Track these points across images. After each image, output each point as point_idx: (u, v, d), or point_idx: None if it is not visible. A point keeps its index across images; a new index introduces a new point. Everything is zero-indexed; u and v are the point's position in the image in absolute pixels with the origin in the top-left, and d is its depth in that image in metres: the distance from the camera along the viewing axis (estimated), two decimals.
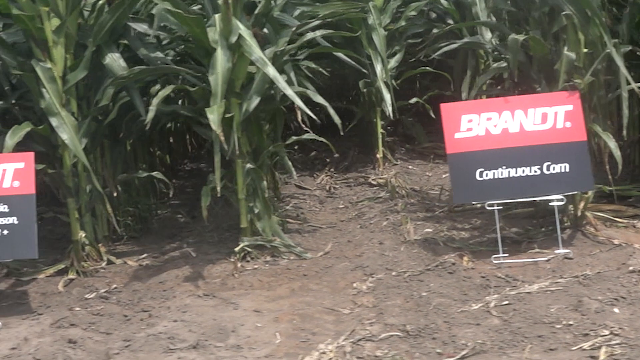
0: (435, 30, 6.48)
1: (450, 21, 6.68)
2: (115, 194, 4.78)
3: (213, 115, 4.16)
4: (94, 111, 4.60)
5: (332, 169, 6.73)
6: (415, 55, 6.58)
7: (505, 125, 4.38)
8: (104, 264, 4.75)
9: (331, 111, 4.71)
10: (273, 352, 3.53)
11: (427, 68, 6.65)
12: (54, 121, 4.38)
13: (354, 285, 4.23)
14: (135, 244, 5.16)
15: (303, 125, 5.29)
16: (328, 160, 7.02)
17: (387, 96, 6.11)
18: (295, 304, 4.06)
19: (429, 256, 4.52)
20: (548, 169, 4.31)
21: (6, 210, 4.07)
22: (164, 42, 5.06)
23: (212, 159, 4.51)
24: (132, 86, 4.67)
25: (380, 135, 6.52)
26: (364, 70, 6.24)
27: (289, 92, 4.37)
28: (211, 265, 4.66)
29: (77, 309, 4.17)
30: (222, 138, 4.12)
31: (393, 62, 6.47)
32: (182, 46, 5.02)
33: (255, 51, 4.35)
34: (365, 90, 6.38)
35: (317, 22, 4.91)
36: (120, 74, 4.59)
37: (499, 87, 6.17)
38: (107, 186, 4.82)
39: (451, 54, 6.54)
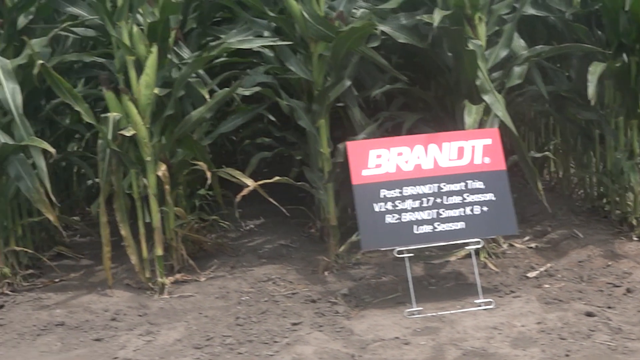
0: None
1: None
2: None
3: None
4: (506, 90, 4.55)
5: None
6: None
7: None
8: (505, 246, 4.69)
9: None
10: None
11: None
12: (487, 98, 4.33)
13: None
14: None
15: None
16: None
17: None
18: None
19: None
20: None
21: (482, 186, 4.01)
22: None
23: None
24: (531, 64, 4.64)
25: None
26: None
27: None
28: (611, 244, 4.64)
29: (546, 286, 4.14)
30: None
31: None
32: None
33: None
34: None
35: None
36: (522, 53, 4.57)
37: None
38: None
39: None
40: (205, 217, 5.11)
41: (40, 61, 4.12)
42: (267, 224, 5.69)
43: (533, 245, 4.78)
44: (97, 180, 6.00)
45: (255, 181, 4.51)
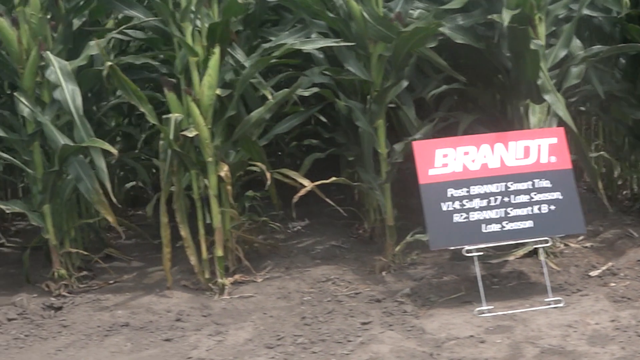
0: None
1: None
2: None
3: None
4: (563, 90, 4.56)
5: None
6: None
7: None
8: (562, 245, 4.69)
9: None
10: None
11: None
12: (548, 98, 4.34)
13: None
14: None
15: None
16: None
17: None
18: None
19: None
20: None
21: (549, 185, 4.01)
22: None
23: None
24: (589, 64, 4.65)
25: None
26: None
27: None
28: None
29: (612, 284, 4.15)
30: None
31: None
32: None
33: None
34: None
35: None
36: (579, 54, 4.58)
37: None
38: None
39: None
40: (255, 218, 5.11)
41: (109, 62, 4.12)
42: (313, 225, 5.70)
43: (588, 244, 4.79)
44: (137, 182, 6.09)
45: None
